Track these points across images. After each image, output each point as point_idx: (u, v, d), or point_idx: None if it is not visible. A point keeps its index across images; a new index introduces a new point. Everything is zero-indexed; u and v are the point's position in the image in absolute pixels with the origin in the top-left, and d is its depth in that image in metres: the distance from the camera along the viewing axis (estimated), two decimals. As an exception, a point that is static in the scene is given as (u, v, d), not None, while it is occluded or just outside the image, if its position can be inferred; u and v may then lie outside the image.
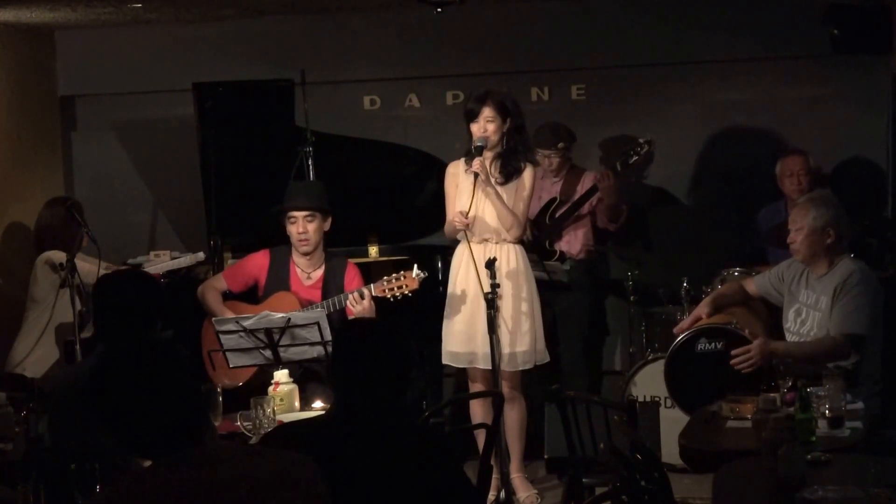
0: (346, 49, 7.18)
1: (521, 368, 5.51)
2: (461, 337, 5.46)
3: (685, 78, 7.09)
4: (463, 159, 5.50)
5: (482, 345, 5.39)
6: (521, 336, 5.46)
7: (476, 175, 5.28)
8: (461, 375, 6.02)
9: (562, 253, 6.32)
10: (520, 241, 5.53)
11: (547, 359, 5.61)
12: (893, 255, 6.44)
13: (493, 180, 5.40)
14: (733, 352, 4.74)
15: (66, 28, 7.24)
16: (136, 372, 2.61)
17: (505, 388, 5.46)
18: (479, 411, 5.59)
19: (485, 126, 5.35)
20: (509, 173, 5.42)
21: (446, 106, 7.21)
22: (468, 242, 5.42)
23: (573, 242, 6.39)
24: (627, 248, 6.74)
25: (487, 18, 7.04)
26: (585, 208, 6.36)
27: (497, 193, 5.38)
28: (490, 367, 5.36)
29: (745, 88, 7.03)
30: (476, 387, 5.56)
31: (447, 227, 5.57)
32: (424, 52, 7.15)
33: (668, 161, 7.00)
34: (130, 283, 4.03)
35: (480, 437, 5.56)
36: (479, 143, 5.32)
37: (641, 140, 6.39)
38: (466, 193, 5.41)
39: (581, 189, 6.36)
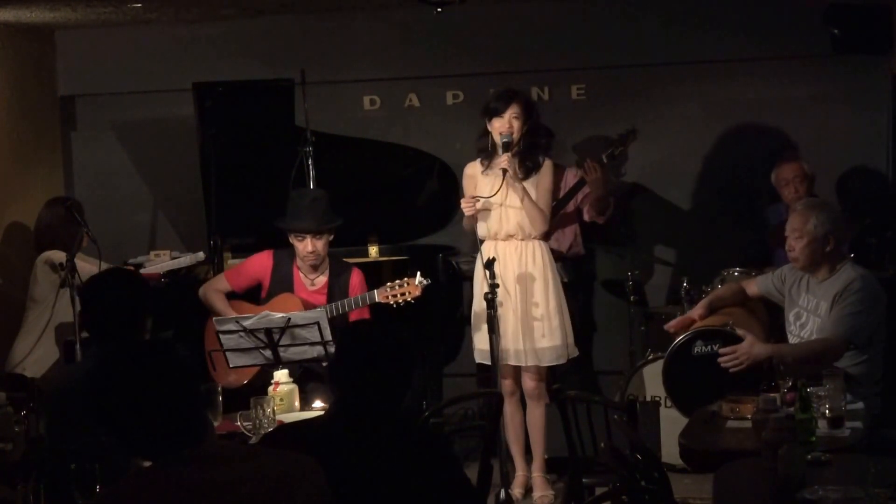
0: (346, 49, 7.18)
1: (548, 364, 5.55)
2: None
3: (685, 78, 7.08)
4: (479, 160, 5.57)
5: (510, 341, 5.43)
6: (551, 332, 5.51)
7: (505, 171, 5.38)
8: (482, 373, 6.04)
9: (552, 251, 6.32)
10: (544, 236, 5.59)
11: (576, 353, 5.67)
12: (894, 255, 6.43)
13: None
14: (721, 350, 4.74)
15: (66, 28, 7.24)
16: (135, 373, 2.61)
17: (530, 384, 5.51)
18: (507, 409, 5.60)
19: (511, 122, 5.42)
20: (528, 169, 5.51)
21: (446, 106, 7.21)
22: (484, 240, 5.47)
23: (562, 240, 6.39)
24: (626, 248, 6.74)
25: (487, 18, 7.04)
26: (571, 205, 6.36)
27: (524, 188, 5.44)
28: (519, 364, 5.50)
29: (745, 88, 7.02)
30: (507, 384, 5.56)
31: (465, 221, 5.64)
32: (424, 52, 7.15)
33: (668, 161, 7.00)
34: (117, 284, 4.02)
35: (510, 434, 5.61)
36: (505, 139, 5.42)
37: (625, 131, 6.38)
38: (486, 190, 5.50)
39: (564, 186, 6.36)
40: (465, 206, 5.48)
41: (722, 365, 4.69)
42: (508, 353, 5.48)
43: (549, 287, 5.54)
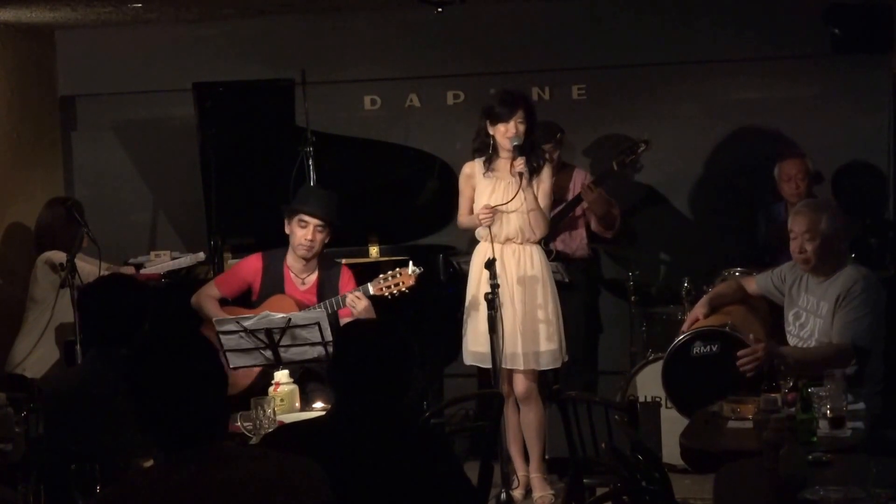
0: (347, 49, 7.18)
1: (544, 368, 5.54)
2: (485, 337, 5.45)
3: (685, 78, 7.08)
4: (479, 160, 5.56)
5: (508, 344, 5.44)
6: (549, 336, 5.50)
7: (521, 175, 5.37)
8: (480, 376, 6.04)
9: (558, 252, 6.33)
10: (541, 241, 5.58)
11: (566, 357, 5.66)
12: (894, 255, 6.43)
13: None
14: (740, 352, 4.69)
15: (66, 28, 7.24)
16: (178, 362, 2.62)
17: (521, 387, 5.50)
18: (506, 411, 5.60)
19: (517, 128, 5.41)
20: (532, 170, 5.47)
21: (447, 106, 7.21)
22: (491, 242, 5.45)
23: (569, 242, 6.39)
24: (628, 249, 6.74)
25: (487, 18, 7.04)
26: (579, 210, 6.36)
27: (534, 194, 5.43)
28: (516, 367, 5.48)
29: (745, 88, 7.02)
30: (503, 386, 5.56)
31: (463, 220, 5.64)
32: (425, 52, 7.15)
33: (668, 161, 6.99)
34: (114, 290, 4.03)
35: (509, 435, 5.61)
36: (516, 143, 5.40)
37: (639, 140, 6.38)
38: (487, 193, 5.48)
39: (573, 187, 6.36)
40: (484, 218, 5.43)
41: (741, 368, 4.62)
42: (505, 356, 5.47)
43: (546, 291, 5.53)
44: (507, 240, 5.52)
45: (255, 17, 7.09)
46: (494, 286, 5.25)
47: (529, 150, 5.47)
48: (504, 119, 5.42)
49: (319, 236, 5.34)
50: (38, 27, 7.08)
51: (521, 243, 5.52)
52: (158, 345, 2.69)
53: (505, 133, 5.42)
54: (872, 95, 6.81)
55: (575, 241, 6.40)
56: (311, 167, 6.15)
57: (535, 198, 5.44)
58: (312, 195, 5.44)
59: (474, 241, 5.67)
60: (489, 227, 5.45)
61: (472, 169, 5.60)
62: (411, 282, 5.18)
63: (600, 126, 7.02)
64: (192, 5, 6.65)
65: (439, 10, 6.29)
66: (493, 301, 5.22)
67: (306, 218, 5.31)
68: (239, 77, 6.74)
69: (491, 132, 5.47)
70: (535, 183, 5.49)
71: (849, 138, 6.85)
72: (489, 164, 5.53)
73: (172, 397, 2.58)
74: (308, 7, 7.03)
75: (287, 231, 5.39)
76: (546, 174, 5.54)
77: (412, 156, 6.83)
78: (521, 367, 5.50)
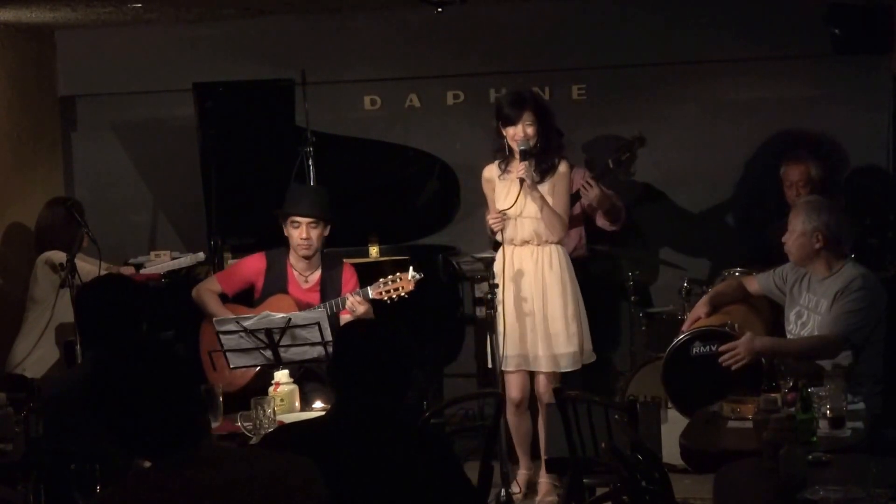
0: (347, 49, 7.17)
1: (564, 370, 5.52)
2: (510, 340, 5.44)
3: (685, 78, 7.08)
4: (496, 163, 5.54)
5: (530, 347, 5.43)
6: (569, 338, 5.48)
7: (522, 181, 5.34)
8: (481, 376, 6.03)
9: None
10: (561, 241, 5.56)
11: (593, 358, 5.64)
12: (894, 256, 6.42)
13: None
14: (721, 348, 4.74)
15: (66, 28, 7.24)
16: (135, 373, 2.60)
17: (543, 387, 5.51)
18: (511, 416, 5.60)
19: (524, 130, 5.38)
20: (544, 171, 5.46)
21: (446, 106, 7.20)
22: (503, 245, 5.45)
23: (567, 242, 6.36)
24: (627, 249, 6.74)
25: (487, 18, 7.04)
26: (577, 208, 6.35)
27: (542, 196, 5.40)
28: (538, 370, 5.47)
29: (745, 88, 7.02)
30: (515, 394, 5.55)
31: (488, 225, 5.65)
32: (425, 52, 7.14)
33: (668, 161, 6.99)
34: (111, 289, 4.03)
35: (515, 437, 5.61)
36: (522, 148, 5.37)
37: (633, 137, 6.37)
38: (503, 196, 5.47)
39: (572, 186, 6.35)
40: (494, 223, 5.44)
41: (723, 363, 4.68)
42: (526, 358, 5.46)
43: (566, 292, 5.49)
44: (524, 242, 5.50)
45: (255, 17, 7.09)
46: (493, 286, 5.24)
47: (542, 151, 5.43)
48: (512, 122, 5.39)
49: (314, 233, 5.34)
50: (38, 27, 7.08)
51: (539, 245, 5.49)
52: (117, 358, 2.66)
53: (513, 136, 5.39)
54: (872, 95, 6.81)
55: (573, 241, 6.38)
56: (311, 167, 6.15)
57: (543, 200, 5.40)
58: (300, 195, 5.44)
59: (474, 242, 5.67)
60: (502, 230, 5.44)
61: (491, 172, 5.58)
62: (411, 287, 5.19)
63: (600, 126, 7.01)
64: (192, 5, 6.65)
65: (439, 10, 6.29)
66: (491, 301, 5.22)
67: (297, 218, 5.33)
68: (239, 77, 6.74)
69: (503, 133, 5.45)
70: (549, 183, 5.45)
71: (849, 139, 6.84)
72: (505, 167, 5.51)
73: (140, 408, 2.56)
74: (308, 7, 7.03)
75: (286, 234, 5.42)
76: (562, 175, 5.48)
77: (412, 156, 6.84)
78: (543, 369, 5.48)
